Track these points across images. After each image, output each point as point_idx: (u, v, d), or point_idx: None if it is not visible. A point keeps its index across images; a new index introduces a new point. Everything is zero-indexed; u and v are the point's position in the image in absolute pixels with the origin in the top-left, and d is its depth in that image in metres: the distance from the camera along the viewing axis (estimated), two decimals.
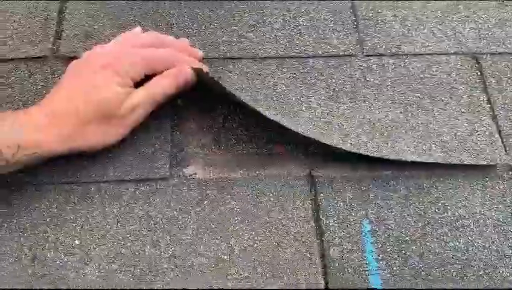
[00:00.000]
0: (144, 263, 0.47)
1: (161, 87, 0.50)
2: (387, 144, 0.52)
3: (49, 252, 0.47)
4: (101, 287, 0.45)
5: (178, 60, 0.52)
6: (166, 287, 0.45)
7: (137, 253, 0.47)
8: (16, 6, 0.62)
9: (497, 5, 0.63)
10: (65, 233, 0.48)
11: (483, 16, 0.62)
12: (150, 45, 0.53)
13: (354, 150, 0.51)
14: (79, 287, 0.45)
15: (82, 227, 0.48)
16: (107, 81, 0.48)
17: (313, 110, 0.54)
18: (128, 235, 0.48)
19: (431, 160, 0.51)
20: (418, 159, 0.51)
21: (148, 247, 0.47)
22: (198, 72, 0.51)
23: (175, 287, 0.45)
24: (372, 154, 0.51)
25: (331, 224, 0.49)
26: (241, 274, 0.46)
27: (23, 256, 0.47)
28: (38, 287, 0.45)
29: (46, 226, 0.48)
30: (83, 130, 0.47)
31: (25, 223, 0.48)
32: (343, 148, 0.51)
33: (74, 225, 0.48)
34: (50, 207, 0.49)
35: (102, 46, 0.53)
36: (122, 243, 0.47)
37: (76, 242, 0.47)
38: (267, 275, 0.46)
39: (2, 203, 0.49)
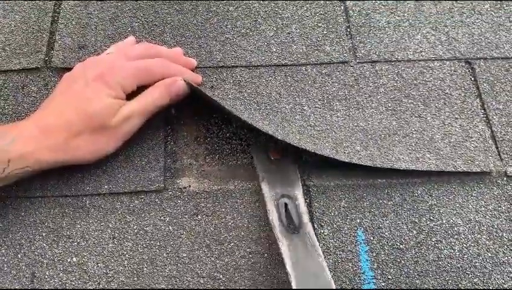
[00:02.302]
0: (143, 282, 0.47)
1: (153, 98, 0.50)
2: (380, 152, 0.52)
3: (48, 270, 0.47)
4: None
5: (170, 70, 0.52)
6: None
7: (135, 271, 0.47)
8: (8, 17, 0.61)
9: (490, 10, 0.63)
10: (62, 250, 0.48)
11: (476, 21, 0.62)
12: (143, 55, 0.53)
13: (347, 160, 0.51)
14: None
15: (78, 243, 0.48)
16: (99, 94, 0.48)
17: (306, 118, 0.54)
18: (125, 253, 0.48)
19: (425, 168, 0.51)
20: (412, 167, 0.51)
21: (146, 265, 0.47)
22: (191, 86, 0.51)
23: None
24: (365, 164, 0.51)
25: (325, 233, 0.49)
26: None
27: (22, 274, 0.47)
28: None
29: (43, 242, 0.48)
30: (74, 142, 0.47)
31: (20, 238, 0.48)
32: (337, 158, 0.51)
33: (71, 241, 0.48)
34: (46, 222, 0.49)
35: (95, 58, 0.53)
36: (120, 260, 0.47)
37: (74, 259, 0.48)
38: (263, 287, 0.46)
39: None
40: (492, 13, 0.63)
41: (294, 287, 0.43)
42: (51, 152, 0.46)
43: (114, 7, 0.62)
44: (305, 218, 0.48)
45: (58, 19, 0.61)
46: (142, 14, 0.62)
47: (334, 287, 0.43)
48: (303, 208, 0.49)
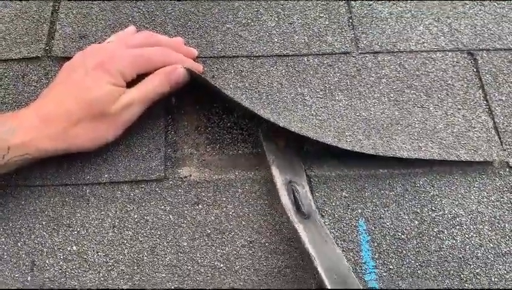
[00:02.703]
0: (143, 271, 0.46)
1: (153, 85, 0.50)
2: (383, 141, 0.52)
3: (48, 258, 0.47)
4: None
5: (171, 58, 0.52)
6: None
7: (135, 260, 0.47)
8: (9, 6, 0.61)
9: (493, 1, 0.63)
10: (62, 238, 0.48)
11: (479, 12, 0.62)
12: (144, 44, 0.52)
13: (349, 148, 0.50)
14: None
15: (78, 232, 0.48)
16: (99, 81, 0.48)
17: (308, 108, 0.54)
18: (125, 241, 0.48)
19: (428, 157, 0.51)
20: (415, 156, 0.51)
21: (146, 254, 0.47)
22: (191, 73, 0.51)
23: None
24: (367, 152, 0.51)
25: (327, 223, 0.49)
26: (236, 283, 0.46)
27: (22, 262, 0.47)
28: None
29: (43, 230, 0.48)
30: (74, 130, 0.47)
31: (20, 227, 0.48)
32: (339, 146, 0.50)
33: (71, 229, 0.48)
34: (46, 210, 0.49)
35: (94, 47, 0.52)
36: (120, 249, 0.47)
37: (74, 248, 0.47)
38: (262, 282, 0.46)
39: None
40: (495, 4, 0.63)
41: (318, 267, 0.43)
42: (51, 140, 0.46)
43: None
44: (313, 206, 0.48)
45: (59, 9, 0.61)
46: (143, 4, 0.61)
47: (353, 276, 0.43)
48: (310, 195, 0.48)
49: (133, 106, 0.49)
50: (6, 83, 0.56)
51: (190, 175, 0.51)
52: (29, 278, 0.46)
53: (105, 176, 0.50)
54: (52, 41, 0.59)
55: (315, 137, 0.50)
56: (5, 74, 0.56)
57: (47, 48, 0.58)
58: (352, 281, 0.43)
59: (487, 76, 0.58)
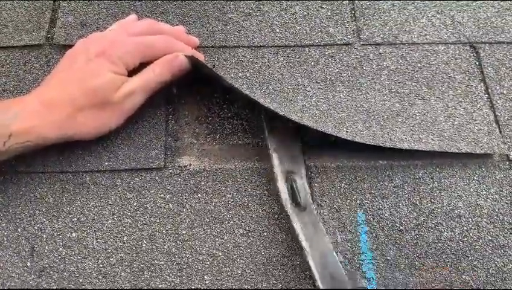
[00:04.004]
0: (142, 258, 0.47)
1: (155, 74, 0.50)
2: (383, 132, 0.52)
3: (47, 244, 0.47)
4: (100, 282, 0.45)
5: (173, 46, 0.52)
6: (164, 286, 0.46)
7: (134, 247, 0.47)
8: None
9: None
10: (62, 225, 0.48)
11: (482, 5, 0.62)
12: (145, 32, 0.52)
13: (349, 138, 0.50)
14: (79, 281, 0.46)
15: (78, 219, 0.48)
16: (101, 69, 0.48)
17: (308, 99, 0.54)
18: (124, 229, 0.48)
19: (428, 148, 0.51)
20: (415, 148, 0.51)
21: (145, 241, 0.47)
22: (192, 59, 0.51)
23: (172, 285, 0.46)
24: (368, 142, 0.51)
25: (325, 214, 0.49)
26: (234, 271, 0.46)
27: (21, 247, 0.47)
28: (40, 280, 0.45)
29: (43, 217, 0.48)
30: (77, 117, 0.47)
31: (21, 213, 0.49)
32: (339, 135, 0.50)
33: (71, 216, 0.48)
34: (46, 197, 0.49)
35: (97, 34, 0.52)
36: (119, 236, 0.48)
37: (74, 235, 0.48)
38: (260, 271, 0.46)
39: None
40: None
41: (311, 265, 0.43)
42: (53, 127, 0.46)
43: None
44: (310, 198, 0.48)
45: None
46: None
47: (342, 270, 0.43)
48: (307, 187, 0.48)
49: (135, 94, 0.49)
50: (8, 70, 0.56)
51: (190, 164, 0.51)
52: (28, 264, 0.46)
53: (106, 164, 0.51)
54: (54, 29, 0.59)
55: (315, 126, 0.50)
56: (7, 61, 0.57)
57: (49, 35, 0.58)
58: (341, 278, 0.43)
59: (489, 69, 0.57)
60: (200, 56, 0.55)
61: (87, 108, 0.47)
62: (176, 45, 0.52)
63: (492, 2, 0.62)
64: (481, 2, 0.62)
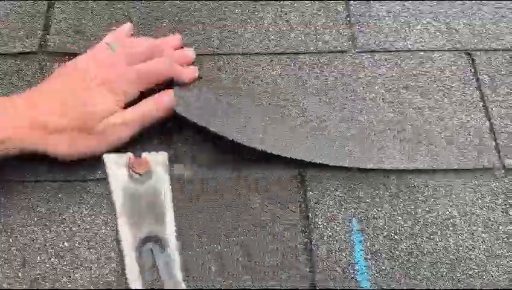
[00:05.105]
0: None
1: (142, 110, 0.50)
2: (374, 148, 0.52)
3: (39, 255, 0.47)
4: None
5: (174, 71, 0.52)
6: None
7: None
8: (4, 1, 0.61)
9: (492, 1, 0.62)
10: (54, 234, 0.48)
11: (478, 12, 0.62)
12: (147, 55, 0.52)
13: (339, 164, 0.51)
14: None
15: (70, 229, 0.48)
16: (102, 99, 0.48)
17: (301, 110, 0.54)
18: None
19: (418, 166, 0.51)
20: (404, 166, 0.51)
21: None
22: (180, 99, 0.51)
23: None
24: (358, 166, 0.51)
25: (319, 223, 0.49)
26: (230, 281, 0.46)
27: (13, 257, 0.46)
28: None
29: (34, 226, 0.48)
30: (56, 136, 0.47)
31: (12, 223, 0.48)
32: (330, 164, 0.50)
33: (63, 225, 0.48)
34: (38, 206, 0.49)
35: (101, 55, 0.52)
36: (111, 246, 0.47)
37: (66, 245, 0.47)
38: (257, 277, 0.46)
39: None
40: (494, 4, 0.62)
41: None
42: (31, 142, 0.46)
43: None
44: (177, 271, 0.38)
45: (55, 3, 0.61)
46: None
47: None
48: (175, 255, 0.39)
49: (120, 126, 0.49)
50: (1, 77, 0.56)
51: (184, 173, 0.51)
52: (20, 275, 0.46)
53: (99, 172, 0.50)
54: (48, 36, 0.58)
55: (309, 159, 0.50)
56: (0, 69, 0.56)
57: (42, 42, 0.58)
58: None
59: (484, 76, 0.57)
60: (195, 73, 0.54)
61: (70, 130, 0.47)
62: (175, 69, 0.52)
63: (487, 8, 0.62)
64: (477, 9, 0.62)
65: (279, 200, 0.50)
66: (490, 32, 0.60)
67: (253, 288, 0.46)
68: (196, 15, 0.60)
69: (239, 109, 0.53)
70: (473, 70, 0.58)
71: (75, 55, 0.55)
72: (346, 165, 0.51)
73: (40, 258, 0.47)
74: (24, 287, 0.45)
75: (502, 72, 0.58)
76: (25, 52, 0.57)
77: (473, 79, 0.57)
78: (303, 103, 0.54)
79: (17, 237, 0.47)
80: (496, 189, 0.51)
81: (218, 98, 0.53)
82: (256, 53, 0.58)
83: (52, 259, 0.47)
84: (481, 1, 0.62)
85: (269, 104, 0.54)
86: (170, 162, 0.51)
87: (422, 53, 0.59)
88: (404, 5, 0.62)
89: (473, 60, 0.58)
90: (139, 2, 0.61)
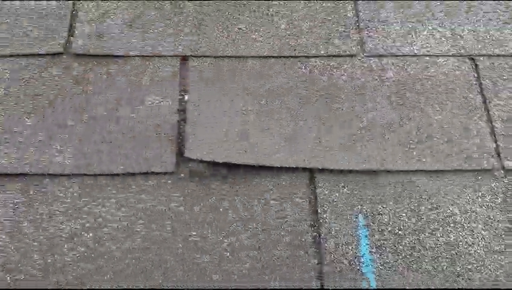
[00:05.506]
0: (153, 259, 0.50)
1: None
2: (379, 149, 0.55)
3: (67, 243, 0.50)
4: (113, 281, 0.49)
5: None
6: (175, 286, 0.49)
7: (147, 248, 0.50)
8: (32, 5, 0.64)
9: (496, 8, 0.65)
10: (80, 225, 0.51)
11: (482, 19, 0.64)
12: None
13: (347, 167, 0.54)
14: (94, 278, 0.49)
15: (95, 220, 0.51)
16: None
17: (311, 111, 0.57)
18: (138, 230, 0.51)
19: (421, 166, 0.54)
20: (407, 167, 0.54)
21: (157, 241, 0.50)
22: None
23: (183, 285, 0.49)
24: (363, 169, 0.54)
25: (327, 218, 0.52)
26: (241, 271, 0.49)
27: (41, 247, 0.50)
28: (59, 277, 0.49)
29: (62, 217, 0.51)
30: None
31: (42, 213, 0.52)
32: (338, 168, 0.54)
33: (88, 217, 0.51)
34: (65, 198, 0.52)
35: None
36: (133, 236, 0.51)
37: (91, 234, 0.51)
38: (266, 271, 0.49)
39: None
40: (498, 11, 0.65)
41: None
42: None
43: None
44: None
45: (78, 8, 0.64)
46: (159, 4, 0.64)
47: None
48: None
49: None
50: (28, 76, 0.59)
51: (199, 170, 0.54)
52: (49, 261, 0.49)
53: (121, 167, 0.54)
54: (72, 38, 0.62)
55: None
56: (27, 68, 0.60)
57: (67, 44, 0.61)
58: None
59: (487, 81, 0.60)
60: None
61: None
62: None
63: (491, 15, 0.64)
64: (481, 15, 0.64)
65: (291, 196, 0.53)
66: (493, 38, 0.63)
67: (264, 277, 0.49)
68: (214, 19, 0.63)
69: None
70: (476, 75, 0.60)
71: (96, 57, 0.59)
72: (354, 167, 0.53)
73: (67, 246, 0.50)
74: (51, 271, 0.49)
75: (504, 77, 0.60)
76: (51, 53, 0.61)
77: (475, 83, 0.60)
78: (314, 104, 0.57)
79: (46, 227, 0.51)
80: (495, 189, 0.54)
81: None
82: (270, 56, 0.61)
83: (78, 247, 0.50)
84: (485, 8, 0.65)
85: (281, 102, 0.57)
86: (187, 160, 0.55)
87: (427, 58, 0.61)
88: (411, 11, 0.64)
89: (476, 65, 0.61)
90: (159, 7, 0.64)
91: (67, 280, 0.48)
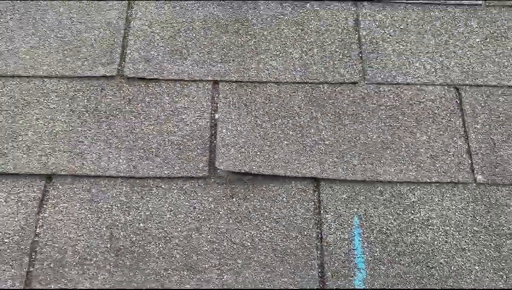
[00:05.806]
0: (191, 245, 0.63)
1: None
2: (373, 164, 0.67)
3: (122, 231, 0.64)
4: (161, 262, 0.62)
5: None
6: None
7: (187, 237, 0.64)
8: (88, 32, 0.78)
9: (480, 44, 0.76)
10: (133, 217, 0.65)
11: (467, 53, 0.76)
12: None
13: (344, 177, 0.67)
14: (145, 260, 0.63)
15: (144, 213, 0.65)
16: None
17: (319, 132, 0.69)
18: (178, 222, 0.65)
19: (407, 178, 0.66)
20: (396, 178, 0.66)
21: (193, 233, 0.64)
22: None
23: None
24: (359, 179, 0.66)
25: (329, 218, 0.65)
26: (257, 261, 0.63)
27: (102, 233, 0.64)
28: (117, 258, 0.63)
29: (118, 211, 0.65)
30: None
31: (101, 206, 0.66)
32: (340, 178, 0.67)
33: (139, 211, 0.65)
34: (119, 196, 0.66)
35: None
36: (175, 227, 0.64)
37: (141, 225, 0.64)
38: (277, 259, 0.63)
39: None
40: (482, 46, 0.76)
41: None
42: None
43: (172, 27, 0.78)
44: None
45: (128, 36, 0.77)
46: (194, 35, 0.77)
47: None
48: None
49: None
50: (85, 96, 0.73)
51: (227, 176, 0.67)
52: (108, 245, 0.63)
53: (166, 172, 0.67)
54: (124, 63, 0.75)
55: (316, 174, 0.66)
56: (85, 89, 0.73)
57: (119, 68, 0.75)
58: None
59: (467, 107, 0.72)
60: None
61: None
62: None
63: (476, 50, 0.76)
64: (467, 50, 0.76)
65: (299, 200, 0.66)
66: (476, 70, 0.74)
67: (277, 262, 0.62)
68: (239, 49, 0.76)
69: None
70: (458, 101, 0.72)
71: (145, 80, 0.72)
72: (352, 177, 0.66)
73: (122, 234, 0.64)
74: (111, 255, 0.63)
75: (482, 104, 0.72)
76: (106, 76, 0.74)
77: (457, 109, 0.72)
78: (321, 124, 0.70)
79: (105, 218, 0.65)
80: (467, 198, 0.66)
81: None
82: (285, 82, 0.73)
83: (131, 235, 0.64)
84: (471, 43, 0.76)
85: (294, 124, 0.70)
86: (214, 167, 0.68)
87: (418, 86, 0.73)
88: (406, 45, 0.76)
89: (459, 93, 0.73)
90: (195, 37, 0.77)
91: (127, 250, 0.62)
